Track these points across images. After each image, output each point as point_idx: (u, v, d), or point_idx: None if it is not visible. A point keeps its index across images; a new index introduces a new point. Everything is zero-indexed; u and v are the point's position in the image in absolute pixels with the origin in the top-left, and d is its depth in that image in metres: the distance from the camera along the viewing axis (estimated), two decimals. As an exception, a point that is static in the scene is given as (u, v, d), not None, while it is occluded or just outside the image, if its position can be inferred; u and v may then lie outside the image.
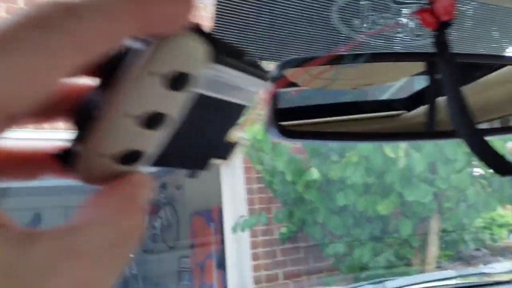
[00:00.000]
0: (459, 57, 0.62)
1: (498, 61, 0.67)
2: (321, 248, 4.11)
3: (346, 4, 0.61)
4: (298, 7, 0.59)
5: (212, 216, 5.35)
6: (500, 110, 0.80)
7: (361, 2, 0.62)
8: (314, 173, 3.38)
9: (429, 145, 2.88)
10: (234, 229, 3.83)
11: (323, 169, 3.39)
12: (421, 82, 0.60)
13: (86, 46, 0.19)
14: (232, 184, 4.48)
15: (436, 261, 4.25)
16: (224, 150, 0.33)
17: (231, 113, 0.31)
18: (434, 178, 3.18)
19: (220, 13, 0.54)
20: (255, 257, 4.31)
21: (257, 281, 4.26)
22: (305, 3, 0.58)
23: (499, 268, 1.66)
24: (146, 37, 0.23)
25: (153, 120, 0.24)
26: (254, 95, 0.30)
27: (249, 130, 3.16)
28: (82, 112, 0.25)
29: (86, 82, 0.25)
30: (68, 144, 0.24)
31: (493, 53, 0.69)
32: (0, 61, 0.17)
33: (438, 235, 3.76)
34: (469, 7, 0.62)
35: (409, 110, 0.63)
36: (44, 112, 0.24)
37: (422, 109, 0.60)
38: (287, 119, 0.57)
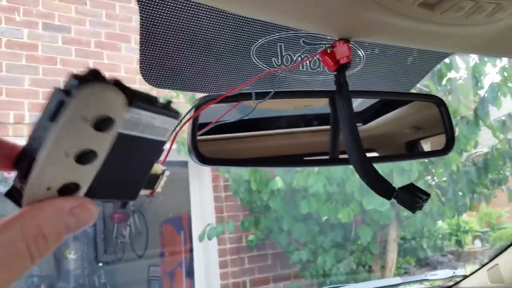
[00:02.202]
0: (358, 94, 0.70)
1: (394, 97, 0.76)
2: (287, 255, 4.18)
3: (264, 45, 0.69)
4: (219, 45, 0.66)
5: (182, 224, 5.33)
6: (422, 132, 0.90)
7: (277, 44, 0.70)
8: (279, 182, 3.45)
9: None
10: (200, 238, 3.86)
11: (287, 178, 3.47)
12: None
13: None
14: (200, 192, 4.50)
15: (403, 267, 4.38)
16: (151, 181, 0.39)
17: (151, 148, 0.36)
18: (392, 187, 3.28)
19: (145, 46, 0.60)
20: (223, 265, 4.34)
21: (225, 289, 4.30)
22: (226, 41, 0.66)
23: (441, 274, 1.76)
24: (70, 87, 0.28)
25: (85, 156, 0.29)
26: (169, 131, 0.36)
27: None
28: (23, 155, 0.29)
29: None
30: (13, 184, 0.29)
31: (394, 90, 0.77)
32: None
33: (397, 242, 3.89)
34: (374, 50, 0.70)
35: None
36: None
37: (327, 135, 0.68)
38: (208, 134, 0.63)
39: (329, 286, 1.67)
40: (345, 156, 0.61)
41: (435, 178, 3.79)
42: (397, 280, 1.76)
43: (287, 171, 3.53)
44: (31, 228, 0.27)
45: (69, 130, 0.28)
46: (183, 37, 0.59)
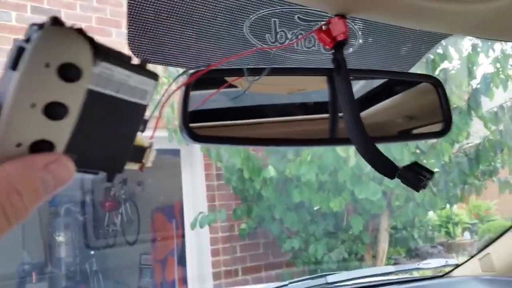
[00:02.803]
0: (355, 73, 0.69)
1: (392, 77, 0.74)
2: (279, 244, 4.19)
3: (258, 20, 0.66)
4: (211, 19, 0.63)
5: (173, 212, 5.32)
6: (420, 119, 0.88)
7: (272, 19, 0.68)
8: (271, 171, 3.44)
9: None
10: (192, 226, 3.85)
11: (280, 166, 3.46)
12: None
13: None
14: (193, 181, 4.48)
15: (393, 258, 4.41)
16: (138, 154, 0.36)
17: (132, 113, 0.33)
18: (383, 177, 3.28)
19: (133, 19, 0.58)
20: (215, 253, 4.34)
21: (216, 277, 4.30)
22: (218, 15, 0.63)
23: (434, 263, 1.77)
24: (30, 34, 0.26)
25: (54, 110, 0.27)
26: (148, 94, 0.33)
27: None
28: None
29: None
30: None
31: (395, 70, 0.76)
32: None
33: (389, 232, 3.90)
34: (374, 27, 0.68)
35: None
36: None
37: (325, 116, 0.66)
38: (199, 121, 0.61)
39: (321, 274, 1.66)
40: (344, 136, 0.59)
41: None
42: (389, 268, 1.76)
43: (280, 160, 3.52)
44: (1, 184, 0.25)
45: (32, 77, 0.26)
46: (173, 9, 0.56)
